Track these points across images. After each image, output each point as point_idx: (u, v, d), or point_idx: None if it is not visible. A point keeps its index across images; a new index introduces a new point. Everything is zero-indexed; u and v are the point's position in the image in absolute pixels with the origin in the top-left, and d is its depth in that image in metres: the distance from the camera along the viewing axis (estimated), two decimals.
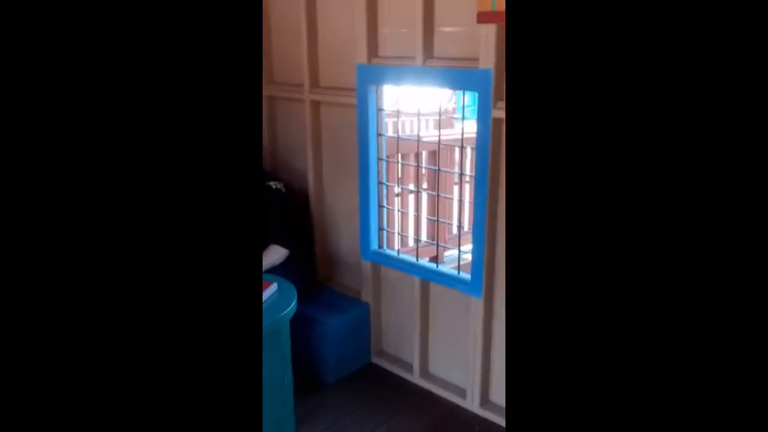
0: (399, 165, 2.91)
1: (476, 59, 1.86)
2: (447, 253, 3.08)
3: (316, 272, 2.63)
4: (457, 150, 3.18)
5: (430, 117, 3.99)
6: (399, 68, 2.10)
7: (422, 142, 2.61)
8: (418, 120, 2.73)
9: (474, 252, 2.01)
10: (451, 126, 3.93)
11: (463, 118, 2.18)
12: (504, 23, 1.76)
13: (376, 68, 2.16)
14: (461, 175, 2.65)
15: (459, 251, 2.29)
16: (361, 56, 2.19)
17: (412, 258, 2.31)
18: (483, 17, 1.79)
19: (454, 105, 4.51)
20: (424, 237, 3.13)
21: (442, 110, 3.86)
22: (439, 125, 2.57)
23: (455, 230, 3.18)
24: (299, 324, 2.08)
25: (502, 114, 1.81)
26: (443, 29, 1.99)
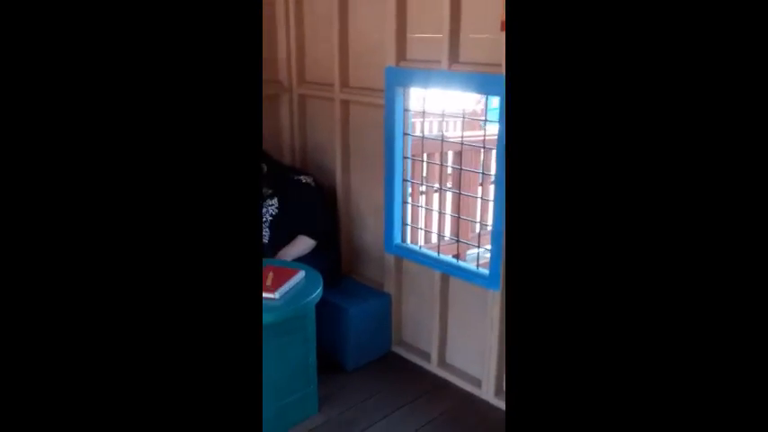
0: (425, 164, 3.02)
1: (499, 65, 1.96)
2: (469, 251, 3.19)
3: (341, 263, 2.77)
4: (481, 151, 3.30)
5: (458, 118, 4.11)
6: (426, 72, 2.21)
7: (446, 142, 2.72)
8: (442, 121, 2.85)
9: (493, 247, 2.12)
10: (479, 128, 4.03)
11: (485, 121, 2.28)
12: None
13: (403, 71, 2.28)
14: (485, 175, 2.75)
15: (479, 248, 2.40)
16: (390, 59, 2.31)
17: (433, 253, 2.43)
18: (506, 25, 1.90)
19: (483, 108, 4.59)
20: (447, 234, 3.24)
21: (472, 112, 3.97)
22: (462, 127, 2.69)
23: (477, 229, 3.29)
24: (324, 312, 2.22)
25: None
26: (469, 35, 2.10)
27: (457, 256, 2.83)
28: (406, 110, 2.38)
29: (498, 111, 2.03)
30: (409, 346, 2.61)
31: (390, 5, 2.26)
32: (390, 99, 2.34)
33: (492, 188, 3.40)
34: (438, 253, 2.40)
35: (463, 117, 2.73)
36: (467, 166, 3.14)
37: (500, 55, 1.95)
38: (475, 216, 3.30)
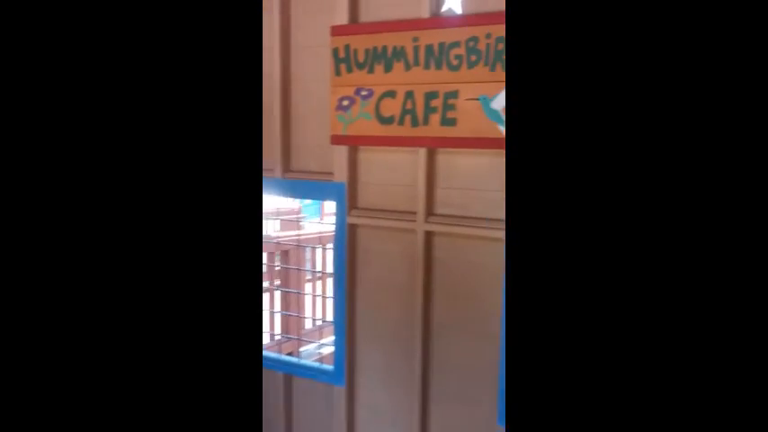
0: None
1: (331, 173, 2.16)
2: (302, 348, 3.22)
3: None
4: (308, 250, 3.43)
5: (277, 218, 4.25)
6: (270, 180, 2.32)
7: (271, 243, 2.80)
8: (274, 222, 2.95)
9: (336, 343, 2.21)
10: (298, 227, 4.19)
11: (303, 219, 2.44)
12: (354, 145, 2.11)
13: None
14: (315, 272, 2.88)
15: (320, 342, 2.47)
16: None
17: (275, 354, 2.42)
18: (336, 140, 2.11)
19: (300, 206, 4.81)
20: (277, 332, 3.24)
21: (289, 209, 4.13)
22: (298, 227, 2.82)
23: (308, 325, 3.35)
24: None
25: (355, 220, 2.12)
26: (300, 146, 2.27)
27: (291, 353, 2.85)
28: None
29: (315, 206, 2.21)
30: None
31: None
32: None
33: (321, 284, 3.55)
34: (280, 353, 2.41)
35: (297, 219, 2.86)
36: (293, 264, 3.23)
37: (331, 164, 2.15)
38: (304, 312, 3.37)
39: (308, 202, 3.70)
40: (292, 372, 2.34)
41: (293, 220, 3.77)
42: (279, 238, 2.98)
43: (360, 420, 2.22)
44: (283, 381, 2.35)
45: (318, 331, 2.93)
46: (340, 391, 2.20)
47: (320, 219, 4.24)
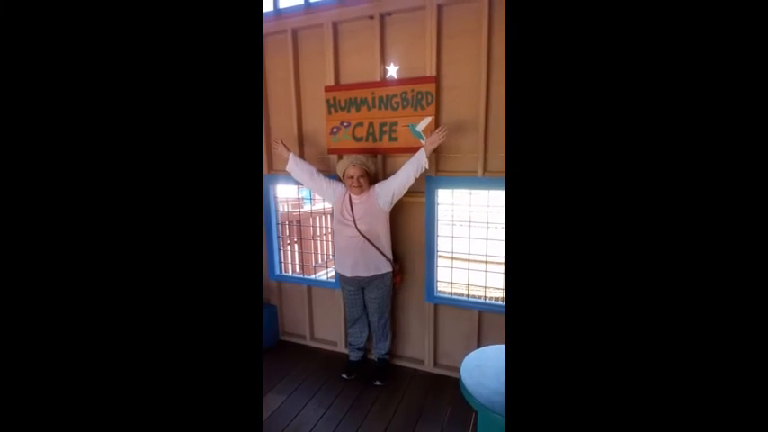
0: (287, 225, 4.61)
1: (328, 170, 3.66)
2: (317, 274, 4.81)
3: None
4: (310, 219, 5.00)
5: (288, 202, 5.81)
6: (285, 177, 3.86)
7: (288, 215, 4.34)
8: (287, 203, 4.45)
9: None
10: (300, 207, 5.74)
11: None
12: (340, 154, 3.61)
13: (271, 177, 3.90)
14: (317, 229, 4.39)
15: (328, 269, 4.05)
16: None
17: (300, 275, 3.98)
18: (330, 151, 3.46)
19: (302, 195, 6.30)
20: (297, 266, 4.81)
21: (295, 198, 5.69)
22: (300, 207, 4.33)
23: (318, 260, 4.94)
24: None
25: None
26: (310, 155, 3.71)
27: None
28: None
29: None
30: (291, 333, 4.03)
31: None
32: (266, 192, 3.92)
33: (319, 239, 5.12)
34: (303, 274, 3.99)
35: (311, 200, 4.36)
36: (302, 227, 4.78)
37: (330, 165, 3.68)
38: (316, 251, 4.98)
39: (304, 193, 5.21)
40: (311, 284, 3.88)
41: (298, 203, 5.34)
42: (290, 212, 4.58)
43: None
44: (306, 290, 3.89)
45: (324, 264, 4.54)
46: (338, 292, 3.78)
47: (313, 203, 5.89)
